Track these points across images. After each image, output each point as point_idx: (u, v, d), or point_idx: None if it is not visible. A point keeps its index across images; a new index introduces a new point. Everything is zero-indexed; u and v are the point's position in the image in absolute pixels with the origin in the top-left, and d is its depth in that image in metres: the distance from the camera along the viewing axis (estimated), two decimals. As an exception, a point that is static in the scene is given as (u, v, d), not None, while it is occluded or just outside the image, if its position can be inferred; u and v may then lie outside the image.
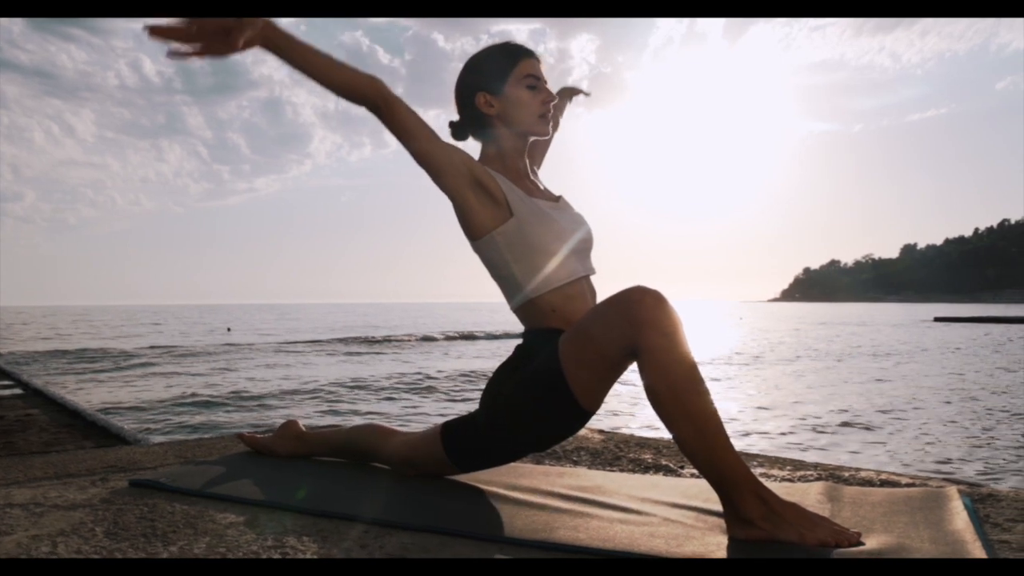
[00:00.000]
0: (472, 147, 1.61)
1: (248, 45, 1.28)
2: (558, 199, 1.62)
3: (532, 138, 1.58)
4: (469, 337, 26.00)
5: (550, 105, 1.55)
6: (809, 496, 1.44)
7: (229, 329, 33.27)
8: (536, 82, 1.54)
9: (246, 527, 1.26)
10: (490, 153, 1.57)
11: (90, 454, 1.96)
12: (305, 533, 1.23)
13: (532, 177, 1.62)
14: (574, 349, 1.32)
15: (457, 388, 11.45)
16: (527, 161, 1.62)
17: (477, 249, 1.53)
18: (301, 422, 1.87)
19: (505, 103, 1.53)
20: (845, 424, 7.70)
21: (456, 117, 1.62)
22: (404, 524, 1.27)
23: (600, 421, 7.25)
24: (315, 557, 1.12)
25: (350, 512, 1.33)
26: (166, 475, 1.60)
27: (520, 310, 1.53)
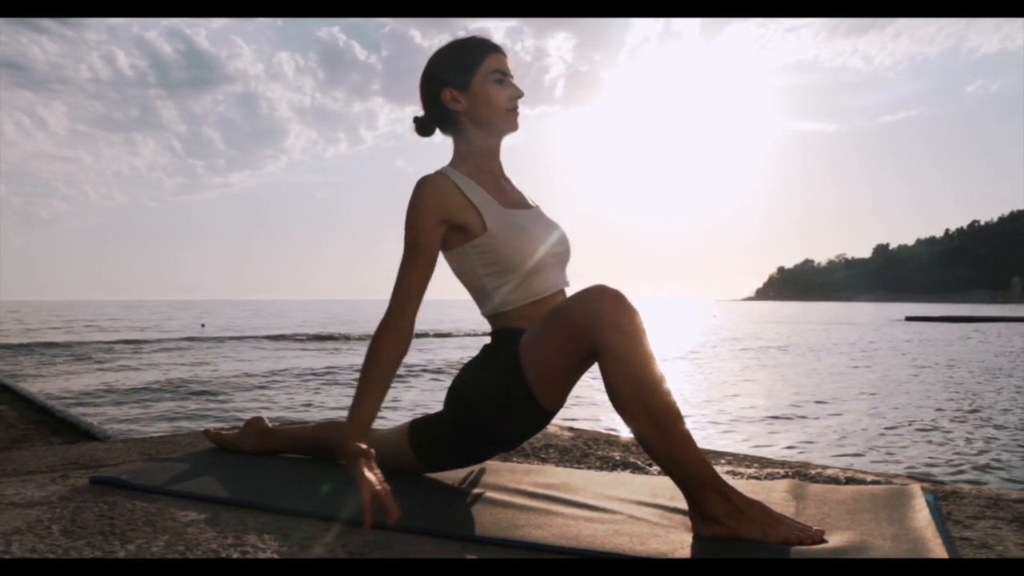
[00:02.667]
0: (442, 143, 1.60)
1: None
2: (532, 207, 1.58)
3: (504, 135, 1.56)
4: (445, 335, 25.94)
5: (518, 100, 1.53)
6: (775, 494, 1.45)
7: (203, 325, 32.85)
8: (503, 77, 1.51)
9: (207, 525, 1.24)
10: (462, 152, 1.54)
11: (51, 451, 1.92)
12: (266, 531, 1.21)
13: (505, 180, 1.59)
14: (535, 349, 1.31)
15: (431, 382, 11.43)
16: (500, 163, 1.59)
17: (449, 258, 1.51)
18: (267, 418, 1.84)
19: (472, 99, 1.50)
20: (798, 416, 7.83)
21: (422, 112, 1.59)
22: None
23: (573, 418, 7.26)
24: (275, 556, 1.10)
25: (314, 509, 1.31)
26: (127, 472, 1.57)
27: (491, 318, 1.52)
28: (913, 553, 1.08)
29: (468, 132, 1.53)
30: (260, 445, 1.78)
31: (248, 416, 1.86)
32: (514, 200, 1.54)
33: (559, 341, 1.27)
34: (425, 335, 25.09)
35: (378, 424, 1.63)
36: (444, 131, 1.58)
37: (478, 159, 1.54)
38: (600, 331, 1.20)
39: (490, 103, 1.50)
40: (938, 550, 1.09)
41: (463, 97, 1.50)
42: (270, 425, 1.81)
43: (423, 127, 1.59)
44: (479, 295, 1.51)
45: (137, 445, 1.99)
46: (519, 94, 1.53)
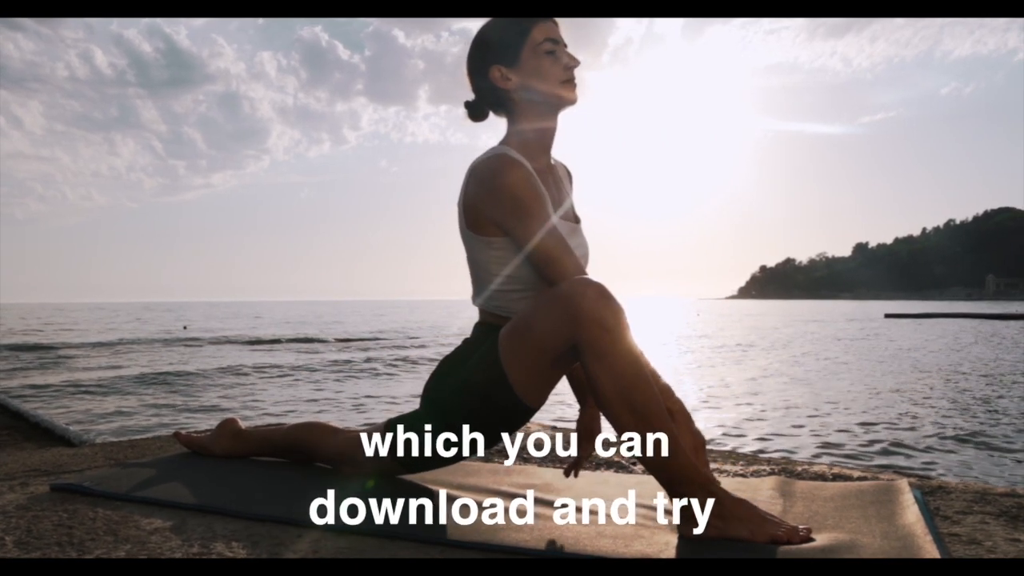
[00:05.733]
0: (492, 126, 1.48)
1: None
2: (575, 223, 1.47)
3: (561, 110, 1.42)
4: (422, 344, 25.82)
5: (573, 70, 1.40)
6: (761, 492, 1.42)
7: (185, 327, 32.43)
8: (555, 46, 1.38)
9: (172, 533, 1.18)
10: (511, 139, 1.42)
11: (12, 457, 1.84)
12: (235, 538, 1.16)
13: (552, 176, 1.46)
14: (514, 344, 1.27)
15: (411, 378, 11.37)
16: (550, 154, 1.47)
17: (467, 238, 1.40)
18: (241, 420, 1.78)
19: (523, 74, 1.38)
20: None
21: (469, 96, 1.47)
22: (342, 527, 1.20)
23: (556, 416, 7.23)
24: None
25: (285, 515, 1.26)
26: (91, 478, 1.50)
27: (481, 310, 1.45)
28: (903, 551, 1.05)
29: (522, 113, 1.41)
30: (233, 448, 1.72)
31: (221, 418, 1.80)
32: (560, 204, 1.42)
33: (540, 336, 1.22)
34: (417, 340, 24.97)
35: (362, 424, 1.58)
36: (497, 113, 1.46)
37: (532, 145, 1.42)
38: (581, 326, 1.15)
39: (543, 77, 1.37)
40: (928, 548, 1.06)
41: (513, 74, 1.38)
42: (243, 427, 1.76)
43: (474, 111, 1.47)
44: (480, 286, 1.42)
45: (104, 450, 1.92)
46: (574, 63, 1.39)
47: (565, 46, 1.41)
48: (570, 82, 1.40)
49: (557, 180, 1.48)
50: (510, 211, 1.30)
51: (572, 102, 1.41)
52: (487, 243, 1.37)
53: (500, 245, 1.35)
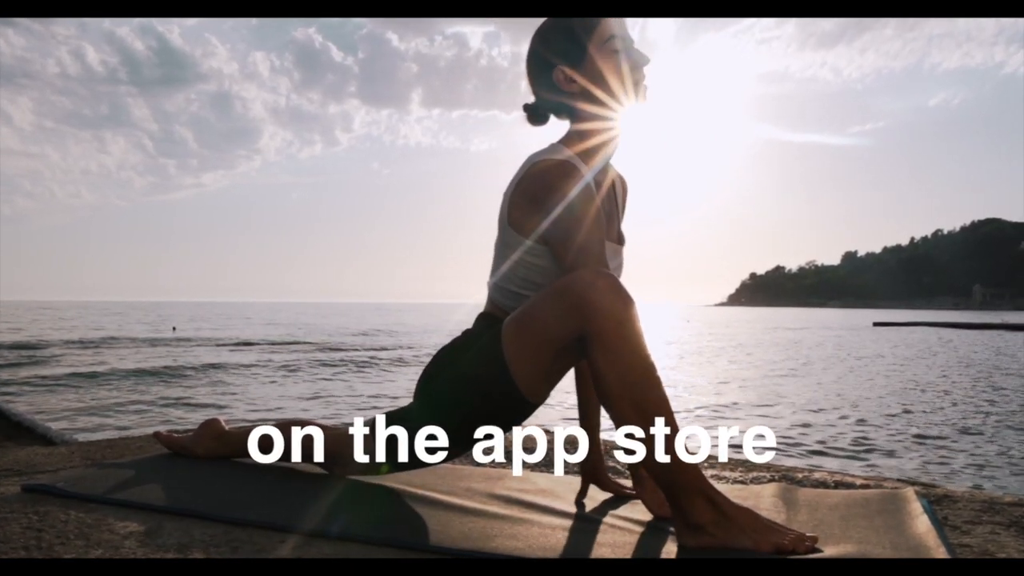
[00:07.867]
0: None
1: None
2: (621, 243, 1.41)
3: (629, 114, 1.33)
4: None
5: (644, 69, 1.31)
6: (763, 499, 1.37)
7: (174, 328, 32.17)
8: (622, 43, 1.30)
9: (147, 537, 1.12)
10: (573, 141, 1.33)
11: (-16, 456, 1.77)
12: (213, 544, 1.10)
13: (612, 196, 1.39)
14: (518, 335, 1.21)
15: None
16: (613, 169, 1.39)
17: (504, 231, 1.33)
18: (224, 420, 1.72)
19: (589, 75, 1.29)
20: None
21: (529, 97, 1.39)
22: (327, 532, 1.15)
23: (552, 418, 7.19)
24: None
25: (268, 520, 1.20)
26: (64, 479, 1.44)
27: (491, 301, 1.38)
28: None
29: (587, 117, 1.32)
30: (215, 449, 1.66)
31: (205, 417, 1.74)
32: (610, 223, 1.36)
33: (544, 326, 1.16)
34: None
35: (352, 422, 1.52)
36: (559, 116, 1.38)
37: (594, 152, 1.32)
38: (590, 316, 1.10)
39: (611, 78, 1.28)
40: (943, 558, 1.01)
41: (578, 75, 1.29)
42: (226, 427, 1.69)
43: (534, 115, 1.39)
44: (501, 267, 1.35)
45: (81, 449, 1.85)
46: (644, 60, 1.31)
47: (632, 42, 1.32)
48: (640, 83, 1.31)
49: (611, 192, 1.40)
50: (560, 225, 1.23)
51: (643, 103, 1.32)
52: (522, 245, 1.30)
53: (535, 251, 1.29)
